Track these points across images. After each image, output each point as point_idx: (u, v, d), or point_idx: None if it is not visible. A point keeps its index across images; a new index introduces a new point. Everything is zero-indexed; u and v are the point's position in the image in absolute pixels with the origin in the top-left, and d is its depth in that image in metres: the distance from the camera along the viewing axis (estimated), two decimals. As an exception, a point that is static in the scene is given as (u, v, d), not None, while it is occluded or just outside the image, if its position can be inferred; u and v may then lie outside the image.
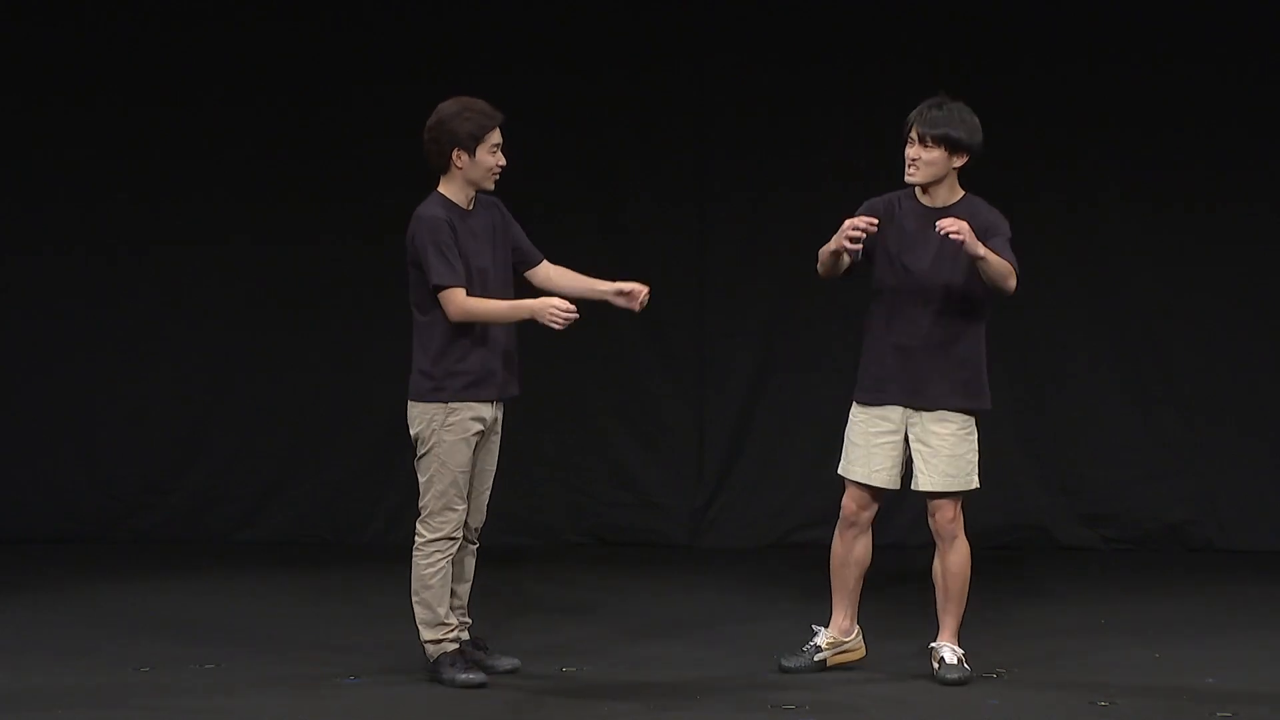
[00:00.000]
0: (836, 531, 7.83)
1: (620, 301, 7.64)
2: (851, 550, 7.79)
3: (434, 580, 7.48)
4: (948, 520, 7.67)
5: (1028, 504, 10.92)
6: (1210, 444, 10.87)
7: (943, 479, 7.64)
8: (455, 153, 7.42)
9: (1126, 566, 10.44)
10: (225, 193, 11.08)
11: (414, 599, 7.52)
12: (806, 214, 10.82)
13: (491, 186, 7.53)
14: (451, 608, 7.54)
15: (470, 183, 7.48)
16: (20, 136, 11.04)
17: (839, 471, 7.82)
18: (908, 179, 7.67)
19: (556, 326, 7.41)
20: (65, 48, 11.02)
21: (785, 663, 7.83)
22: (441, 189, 7.52)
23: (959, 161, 7.65)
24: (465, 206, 7.50)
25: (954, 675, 7.58)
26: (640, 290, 7.61)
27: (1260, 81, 10.74)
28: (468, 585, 7.67)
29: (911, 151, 7.63)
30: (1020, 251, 11.19)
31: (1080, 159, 10.87)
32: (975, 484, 7.72)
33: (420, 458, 7.49)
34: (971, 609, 8.05)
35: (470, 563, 7.67)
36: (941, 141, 7.60)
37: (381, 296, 10.56)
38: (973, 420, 7.71)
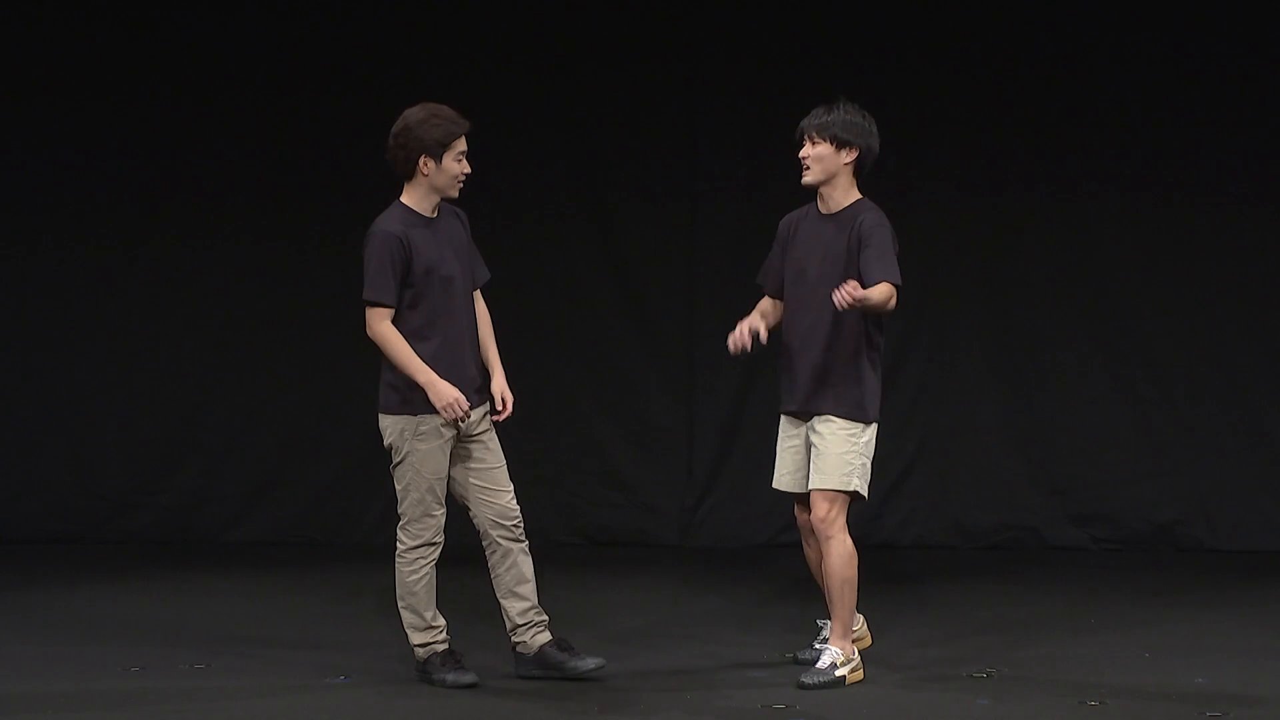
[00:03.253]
0: (802, 541, 7.88)
1: (497, 408, 7.55)
2: (818, 555, 7.81)
3: (418, 586, 7.48)
4: (819, 517, 7.63)
5: (1017, 504, 10.93)
6: (1200, 444, 10.88)
7: (818, 478, 7.62)
8: (422, 160, 7.38)
9: (1116, 567, 10.44)
10: (214, 194, 11.08)
11: (400, 605, 7.51)
12: (796, 214, 10.85)
13: (456, 194, 7.48)
14: (522, 611, 7.53)
15: (436, 190, 7.44)
16: (8, 137, 11.03)
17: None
18: (804, 181, 7.72)
19: (447, 417, 7.34)
20: (56, 50, 11.03)
21: (801, 655, 7.85)
22: (404, 198, 7.46)
23: (848, 157, 7.69)
24: (429, 214, 7.46)
25: (809, 679, 7.47)
26: (503, 414, 7.55)
27: (1249, 80, 10.76)
28: (532, 585, 7.61)
29: (802, 151, 7.73)
30: (1011, 251, 11.25)
31: (1069, 157, 10.88)
32: (853, 487, 7.62)
33: (395, 466, 7.48)
34: (963, 608, 8.10)
35: (525, 562, 7.60)
36: (825, 136, 7.68)
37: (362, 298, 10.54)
38: (859, 425, 7.65)
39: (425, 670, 7.51)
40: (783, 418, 7.82)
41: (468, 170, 7.45)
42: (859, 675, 7.57)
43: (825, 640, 7.79)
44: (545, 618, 7.62)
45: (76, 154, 11.04)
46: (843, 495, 7.60)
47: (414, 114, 7.43)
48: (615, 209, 11.12)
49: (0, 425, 11.07)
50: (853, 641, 7.76)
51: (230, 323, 11.12)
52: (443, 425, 7.39)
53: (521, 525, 7.60)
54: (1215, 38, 10.76)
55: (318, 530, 11.10)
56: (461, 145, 7.42)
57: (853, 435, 7.62)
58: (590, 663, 7.56)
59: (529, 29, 11.01)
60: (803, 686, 7.46)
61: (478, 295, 7.62)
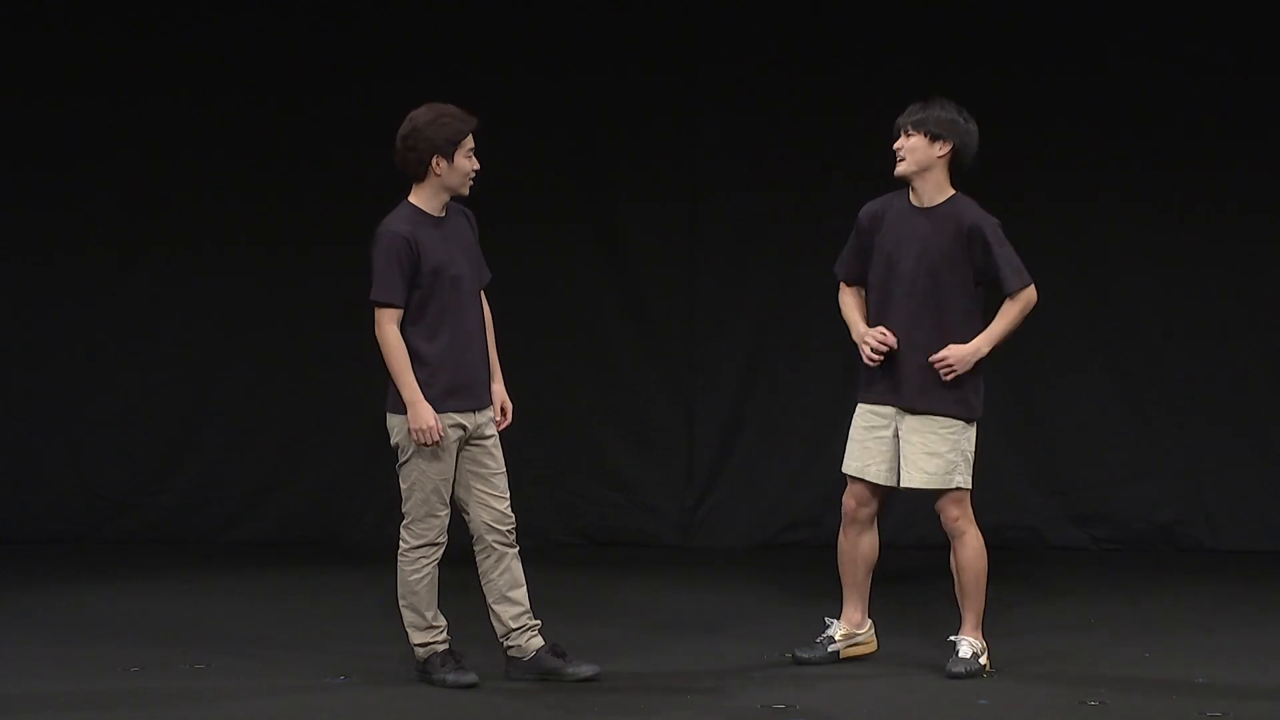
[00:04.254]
0: (841, 528, 7.89)
1: (496, 418, 7.56)
2: (856, 546, 7.88)
3: (420, 586, 7.47)
4: (951, 519, 7.82)
5: (1018, 504, 10.93)
6: (1199, 444, 10.89)
7: (921, 476, 7.71)
8: (435, 160, 7.38)
9: (1116, 566, 10.45)
10: (215, 195, 11.08)
11: (401, 604, 7.51)
12: (797, 216, 10.88)
13: (467, 192, 7.49)
14: (516, 615, 7.53)
15: (447, 189, 7.44)
16: (8, 138, 11.04)
17: (842, 469, 7.87)
18: (897, 171, 7.77)
19: (417, 441, 7.34)
20: (56, 50, 11.03)
21: (800, 654, 7.89)
22: (412, 199, 7.46)
23: (942, 150, 7.74)
24: (438, 214, 7.46)
25: (957, 668, 7.63)
26: (503, 424, 7.57)
27: (1251, 83, 10.76)
28: (524, 590, 7.60)
29: (897, 144, 7.78)
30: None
31: (1069, 160, 10.88)
32: (956, 483, 7.73)
33: (401, 465, 7.48)
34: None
35: (517, 566, 7.59)
36: (920, 128, 7.72)
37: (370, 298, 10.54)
38: (958, 422, 7.71)
39: (425, 670, 7.51)
40: (863, 406, 7.81)
41: (477, 167, 7.46)
42: (991, 668, 7.73)
43: (832, 638, 7.87)
44: (538, 622, 7.62)
45: (77, 155, 11.04)
46: (966, 494, 7.76)
47: (421, 115, 7.42)
48: (615, 209, 11.12)
49: (0, 425, 11.07)
50: (858, 645, 7.83)
51: (230, 323, 11.12)
52: (450, 426, 7.40)
53: (514, 530, 7.60)
54: (1226, 45, 10.75)
55: (318, 531, 11.10)
56: (470, 142, 7.43)
57: (952, 432, 7.71)
58: (585, 669, 7.56)
59: (530, 31, 11.00)
60: (952, 676, 7.58)
61: (482, 295, 7.62)
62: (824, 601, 8.03)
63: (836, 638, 7.90)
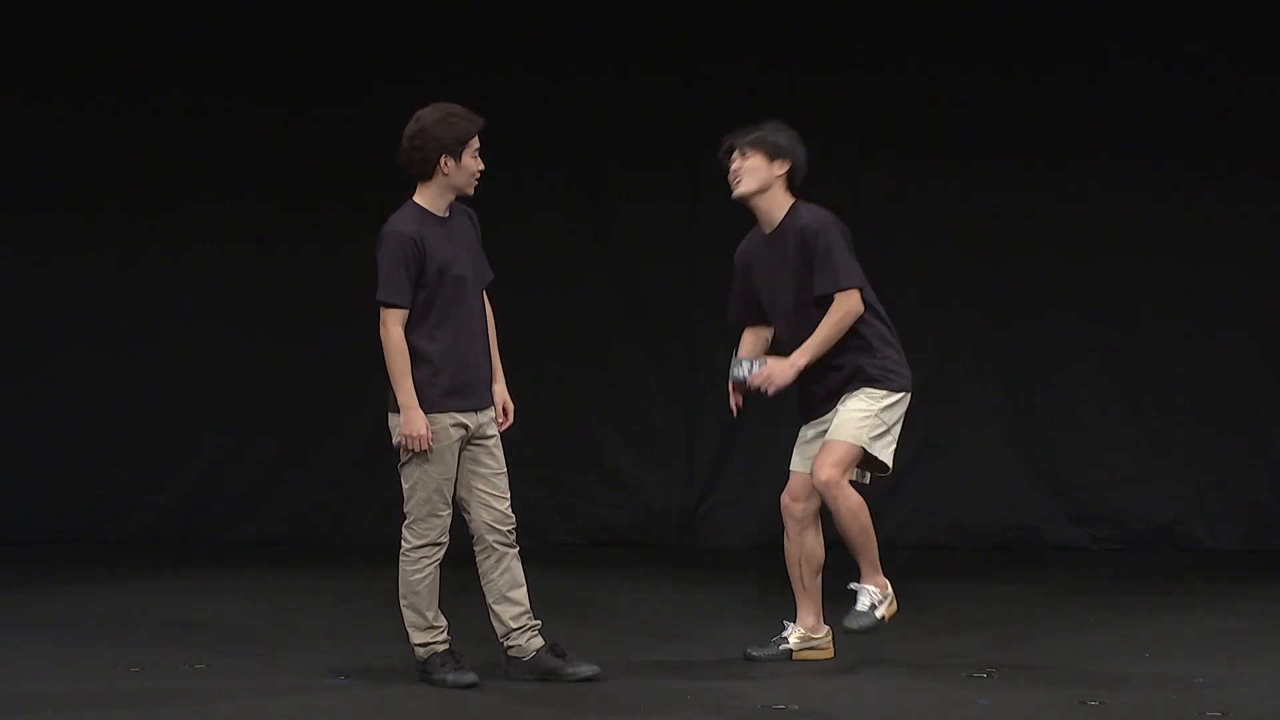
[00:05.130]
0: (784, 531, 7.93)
1: (497, 418, 7.56)
2: (800, 547, 7.84)
3: (421, 586, 7.47)
4: (820, 480, 7.61)
5: (1017, 504, 10.93)
6: (1199, 445, 10.89)
7: (829, 434, 7.65)
8: (443, 159, 7.37)
9: (1116, 567, 10.45)
10: (215, 195, 11.09)
11: (402, 603, 7.51)
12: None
13: (472, 191, 7.49)
14: (516, 615, 7.53)
15: (454, 188, 7.44)
16: (10, 140, 11.04)
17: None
18: (734, 193, 7.77)
19: (406, 447, 7.35)
20: (56, 50, 11.03)
21: (753, 652, 7.89)
22: (417, 198, 7.45)
23: (780, 169, 7.72)
24: (442, 214, 7.45)
25: (852, 623, 7.62)
26: (505, 424, 7.56)
27: (1250, 81, 10.76)
28: (524, 589, 7.59)
29: (733, 166, 7.76)
30: (1011, 252, 11.24)
31: (1069, 158, 10.89)
32: (861, 443, 7.58)
33: (403, 465, 7.47)
34: (963, 608, 8.09)
35: (517, 566, 7.58)
36: (755, 147, 7.70)
37: (370, 299, 10.53)
38: (880, 391, 7.63)
39: (425, 670, 7.50)
40: (804, 427, 7.86)
41: (483, 166, 7.46)
42: (894, 609, 7.70)
43: (785, 639, 7.87)
44: (538, 622, 7.61)
45: (78, 155, 11.05)
46: (851, 453, 7.59)
47: (428, 114, 7.41)
48: (616, 210, 11.12)
49: (1, 425, 11.07)
50: (814, 650, 7.81)
51: (230, 324, 11.12)
52: (452, 426, 7.40)
53: (515, 531, 7.59)
54: (1224, 42, 10.76)
55: (318, 530, 11.10)
56: (477, 142, 7.43)
57: (872, 398, 7.64)
58: (585, 669, 7.55)
59: (530, 31, 11.01)
60: (849, 631, 7.60)
61: (483, 296, 7.63)
62: (824, 601, 8.01)
63: (790, 640, 7.90)
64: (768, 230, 7.78)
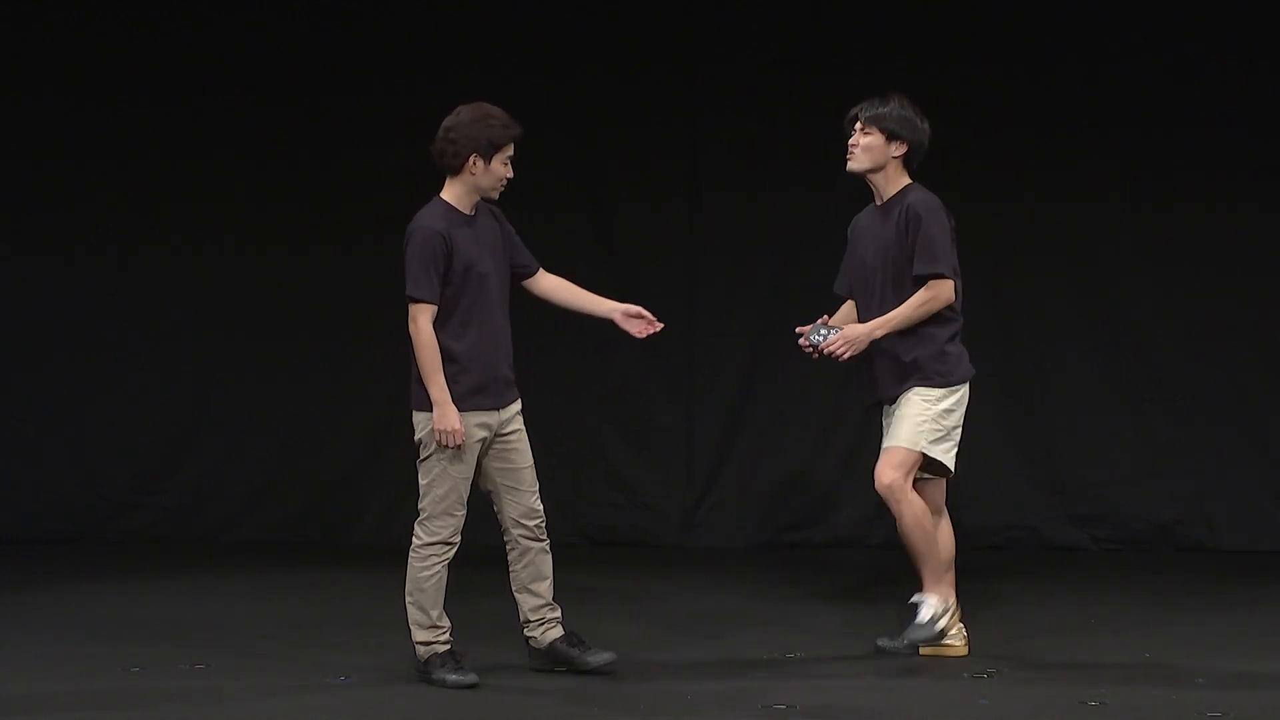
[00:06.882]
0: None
1: (626, 324, 7.64)
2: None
3: (428, 583, 7.48)
4: (882, 485, 7.66)
5: (1018, 504, 10.93)
6: (1199, 444, 10.88)
7: (886, 441, 7.72)
8: (472, 159, 7.42)
9: (1116, 566, 10.45)
10: (216, 194, 11.08)
11: (408, 599, 7.52)
12: (796, 216, 10.88)
13: (496, 196, 7.55)
14: (534, 607, 7.60)
15: (479, 190, 7.49)
16: (10, 140, 11.04)
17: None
18: (848, 167, 7.83)
19: (440, 443, 7.36)
20: (59, 52, 11.03)
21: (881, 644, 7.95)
22: (445, 194, 7.50)
23: (897, 150, 7.76)
24: (468, 212, 7.49)
25: (914, 635, 7.70)
26: (647, 316, 7.60)
27: (1250, 82, 10.75)
28: (548, 582, 7.67)
29: (851, 140, 7.83)
30: (1011, 253, 11.24)
31: (1069, 160, 10.88)
32: (920, 448, 7.64)
33: (422, 461, 7.50)
34: (963, 608, 8.04)
35: (543, 560, 7.66)
36: (875, 125, 7.76)
37: (371, 298, 10.56)
38: (936, 391, 7.69)
39: (425, 670, 7.51)
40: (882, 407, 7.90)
41: (510, 174, 7.50)
42: (957, 621, 7.74)
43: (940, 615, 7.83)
44: (557, 614, 7.68)
45: (77, 155, 11.04)
46: (910, 458, 7.63)
47: (468, 112, 7.48)
48: (616, 210, 11.12)
49: (1, 425, 11.07)
50: (947, 645, 7.82)
51: (230, 323, 11.12)
52: (476, 425, 7.42)
53: (544, 525, 7.68)
54: (1225, 44, 10.75)
55: (318, 530, 11.10)
56: (510, 150, 7.48)
57: (928, 400, 7.66)
58: (602, 657, 7.62)
59: (530, 31, 11.00)
60: (911, 646, 7.68)
61: (543, 274, 7.73)
62: (825, 601, 8.02)
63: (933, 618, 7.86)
64: (879, 202, 7.84)
